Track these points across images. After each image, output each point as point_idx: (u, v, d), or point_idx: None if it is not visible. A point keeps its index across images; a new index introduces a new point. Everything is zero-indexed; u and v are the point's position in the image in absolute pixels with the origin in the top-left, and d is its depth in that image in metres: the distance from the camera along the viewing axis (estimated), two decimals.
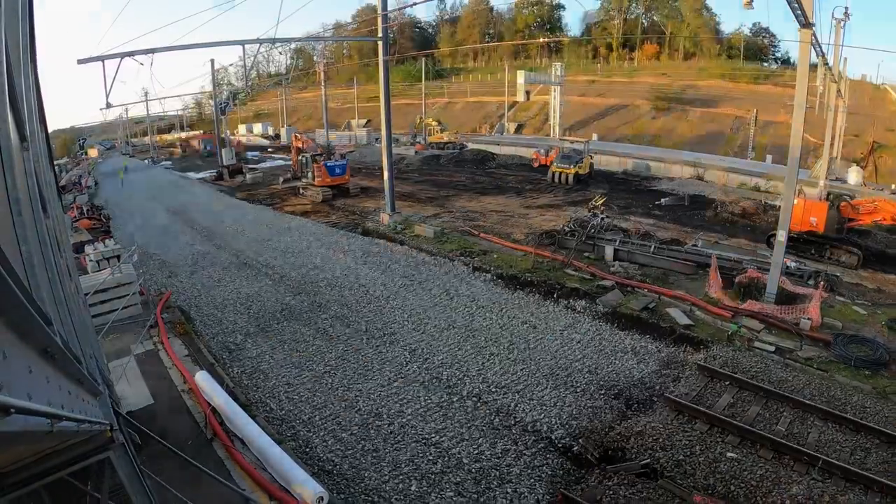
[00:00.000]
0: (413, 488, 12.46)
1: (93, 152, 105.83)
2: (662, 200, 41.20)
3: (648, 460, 13.10)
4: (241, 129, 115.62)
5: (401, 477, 12.83)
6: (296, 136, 58.07)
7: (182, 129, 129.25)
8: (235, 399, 15.22)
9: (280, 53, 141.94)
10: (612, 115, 77.44)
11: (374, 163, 59.25)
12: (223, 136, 65.15)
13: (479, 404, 15.56)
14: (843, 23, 39.22)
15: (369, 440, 14.18)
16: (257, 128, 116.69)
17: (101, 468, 7.68)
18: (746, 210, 36.56)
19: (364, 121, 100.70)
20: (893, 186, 40.64)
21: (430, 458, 13.43)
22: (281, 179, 54.33)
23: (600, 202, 32.34)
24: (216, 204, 46.97)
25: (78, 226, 36.21)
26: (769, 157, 53.20)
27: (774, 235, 22.00)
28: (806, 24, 19.48)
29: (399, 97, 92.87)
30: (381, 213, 35.73)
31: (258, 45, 33.59)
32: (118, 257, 22.90)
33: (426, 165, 62.31)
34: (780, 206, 21.90)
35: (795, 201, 23.10)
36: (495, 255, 27.69)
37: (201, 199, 49.86)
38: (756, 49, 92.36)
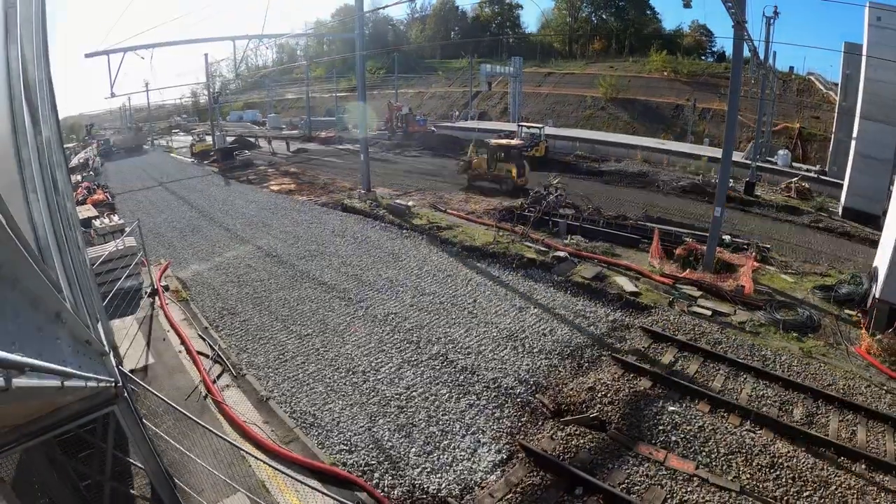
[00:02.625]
0: (386, 437, 12.37)
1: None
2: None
3: (597, 413, 13.09)
4: (232, 115, 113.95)
5: (375, 427, 12.72)
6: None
7: (179, 116, 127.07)
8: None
9: (266, 48, 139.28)
10: (566, 103, 77.16)
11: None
12: (216, 122, 63.86)
13: (445, 363, 15.42)
14: (772, 20, 39.33)
15: (347, 395, 14.06)
16: (247, 115, 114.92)
17: (107, 422, 8.17)
18: (686, 188, 36.76)
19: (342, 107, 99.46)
20: (818, 166, 41.03)
21: (402, 410, 13.35)
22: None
23: (555, 181, 32.22)
24: (208, 185, 45.93)
25: (89, 201, 35.77)
26: (706, 141, 53.51)
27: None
28: (739, 22, 19.49)
29: (374, 87, 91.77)
30: (357, 191, 35.25)
31: (247, 40, 33.06)
32: (122, 231, 22.78)
33: (398, 148, 61.58)
34: (715, 185, 21.91)
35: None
36: (460, 230, 27.41)
37: (194, 180, 48.76)
38: (695, 44, 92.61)
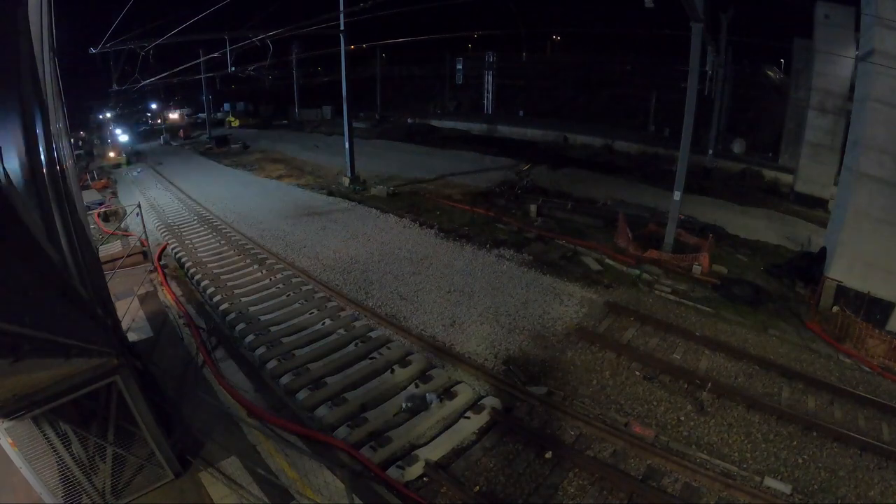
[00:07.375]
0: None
1: None
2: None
3: (566, 381, 13.05)
4: (225, 106, 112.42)
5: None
6: None
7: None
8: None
9: (257, 43, 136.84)
10: (537, 93, 76.87)
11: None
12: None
13: (425, 336, 15.32)
14: (728, 17, 39.38)
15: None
16: (239, 105, 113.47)
17: (111, 390, 8.36)
18: (647, 173, 36.72)
19: None
20: (771, 154, 41.32)
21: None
22: None
23: (526, 167, 32.11)
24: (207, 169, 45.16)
25: (94, 186, 35.58)
26: (667, 130, 53.58)
27: None
28: (698, 19, 19.47)
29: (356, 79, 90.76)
30: (342, 176, 34.94)
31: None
32: (123, 213, 22.90)
33: (379, 138, 60.98)
34: (675, 170, 21.85)
35: None
36: (438, 213, 27.23)
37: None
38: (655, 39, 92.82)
